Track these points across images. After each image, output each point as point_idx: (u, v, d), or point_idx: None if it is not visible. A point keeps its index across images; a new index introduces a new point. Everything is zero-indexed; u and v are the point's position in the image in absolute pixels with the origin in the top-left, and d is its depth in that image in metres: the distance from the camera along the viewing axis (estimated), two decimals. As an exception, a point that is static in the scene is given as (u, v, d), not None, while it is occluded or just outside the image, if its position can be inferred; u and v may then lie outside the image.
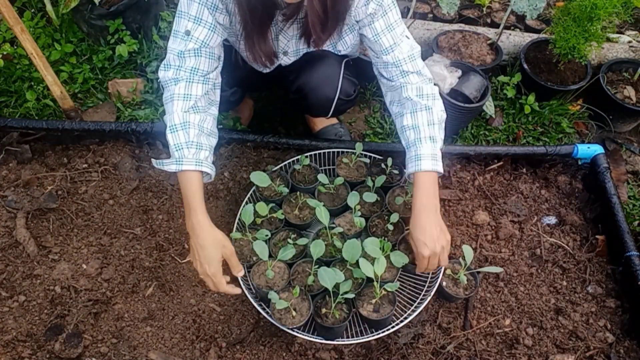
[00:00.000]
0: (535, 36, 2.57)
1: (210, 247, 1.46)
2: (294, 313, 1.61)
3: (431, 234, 1.53)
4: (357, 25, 1.65)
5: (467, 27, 2.60)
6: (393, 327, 1.64)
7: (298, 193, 1.89)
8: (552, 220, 2.05)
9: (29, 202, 2.00)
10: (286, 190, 1.87)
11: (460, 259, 1.77)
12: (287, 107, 2.38)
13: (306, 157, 1.97)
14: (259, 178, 1.78)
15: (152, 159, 1.54)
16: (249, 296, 1.67)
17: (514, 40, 2.57)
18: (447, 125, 2.12)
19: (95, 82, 2.45)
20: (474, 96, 2.14)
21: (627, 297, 1.84)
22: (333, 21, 1.57)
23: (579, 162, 2.17)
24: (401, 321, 1.66)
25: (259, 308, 1.66)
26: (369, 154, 1.99)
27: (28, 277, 1.83)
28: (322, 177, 1.86)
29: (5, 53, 2.39)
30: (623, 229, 1.90)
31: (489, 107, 2.31)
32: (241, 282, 1.69)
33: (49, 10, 2.44)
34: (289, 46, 1.77)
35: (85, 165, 2.13)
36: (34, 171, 2.10)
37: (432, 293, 1.70)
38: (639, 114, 2.35)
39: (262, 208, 1.77)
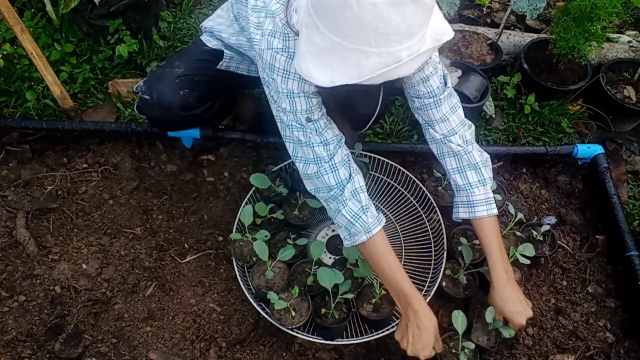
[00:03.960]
0: (535, 36, 2.57)
1: (431, 332, 1.44)
2: (293, 313, 1.61)
3: (520, 300, 1.53)
4: None
5: (467, 27, 2.60)
6: (393, 326, 1.64)
7: (297, 193, 1.89)
8: (552, 220, 2.05)
9: (29, 202, 2.00)
10: (286, 190, 1.87)
11: (460, 259, 1.76)
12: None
13: None
14: (259, 180, 1.78)
15: (345, 240, 1.52)
16: (248, 296, 1.67)
17: (514, 40, 2.57)
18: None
19: (95, 82, 2.45)
20: (474, 96, 2.13)
21: (627, 297, 1.84)
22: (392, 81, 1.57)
23: (579, 162, 2.17)
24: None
25: (258, 308, 1.66)
26: (368, 153, 1.99)
27: (28, 277, 1.83)
28: None
29: (5, 53, 2.39)
30: (623, 229, 1.90)
31: (489, 107, 2.31)
32: (241, 282, 1.69)
33: (49, 10, 2.43)
34: None
35: (85, 165, 2.13)
36: (34, 171, 2.10)
37: (432, 293, 1.70)
38: (639, 114, 2.35)
39: (262, 209, 1.77)
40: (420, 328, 1.43)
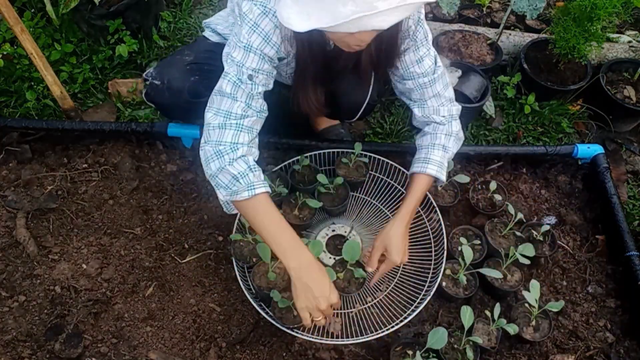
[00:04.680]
0: (535, 36, 2.57)
1: (326, 277, 1.44)
2: (295, 312, 1.61)
3: (405, 244, 1.63)
4: None
5: (467, 27, 2.60)
6: (393, 326, 1.64)
7: (297, 193, 1.89)
8: (552, 220, 2.05)
9: (29, 202, 2.00)
10: (285, 190, 1.87)
11: (460, 260, 1.77)
12: (288, 107, 2.37)
13: (306, 157, 1.97)
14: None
15: (223, 203, 1.54)
16: (248, 296, 1.67)
17: (514, 40, 2.57)
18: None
19: (95, 82, 2.45)
20: (474, 96, 2.14)
21: (627, 297, 1.84)
22: (383, 67, 1.60)
23: (579, 162, 2.18)
24: (401, 321, 1.66)
25: (259, 309, 1.66)
26: (368, 154, 1.99)
27: (28, 277, 1.83)
28: (321, 178, 1.86)
29: (5, 53, 2.39)
30: (623, 229, 1.90)
31: (489, 107, 2.31)
32: (241, 283, 1.69)
33: (49, 10, 2.43)
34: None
35: (85, 165, 2.13)
36: (34, 171, 2.10)
37: (432, 293, 1.71)
38: (639, 114, 2.35)
39: None
40: (318, 279, 1.41)
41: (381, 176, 2.06)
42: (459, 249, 1.80)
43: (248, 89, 1.42)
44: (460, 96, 2.12)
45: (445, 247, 1.79)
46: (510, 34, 2.58)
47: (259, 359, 1.68)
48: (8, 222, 1.96)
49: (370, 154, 2.01)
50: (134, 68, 2.51)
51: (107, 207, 2.02)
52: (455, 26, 2.60)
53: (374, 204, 2.02)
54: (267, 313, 1.65)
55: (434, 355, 1.56)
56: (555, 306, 1.65)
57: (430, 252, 1.85)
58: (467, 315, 1.57)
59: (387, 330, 1.63)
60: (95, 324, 1.74)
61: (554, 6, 2.84)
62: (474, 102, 2.13)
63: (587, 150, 2.12)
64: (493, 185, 2.01)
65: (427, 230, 1.91)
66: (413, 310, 1.68)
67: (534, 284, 1.65)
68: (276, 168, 1.98)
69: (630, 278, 1.82)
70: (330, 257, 1.86)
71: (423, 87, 1.64)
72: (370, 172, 2.03)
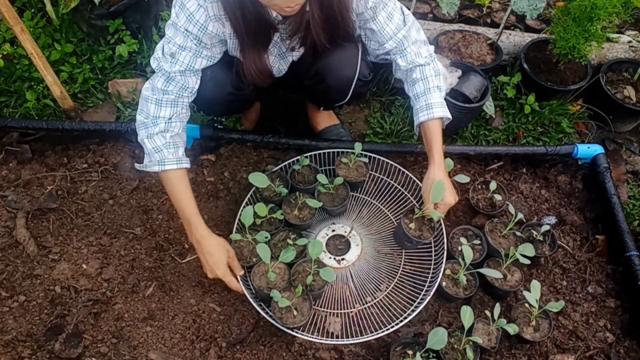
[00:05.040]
0: (535, 36, 2.57)
1: (216, 253, 1.64)
2: (295, 312, 1.61)
3: (451, 184, 1.74)
4: (357, 19, 1.67)
5: (467, 27, 2.60)
6: (393, 326, 1.64)
7: (297, 193, 1.89)
8: (552, 220, 2.05)
9: (29, 202, 2.00)
10: (285, 190, 1.87)
11: (460, 260, 1.77)
12: (288, 107, 2.38)
13: (306, 157, 1.97)
14: (258, 179, 1.78)
15: (135, 164, 1.67)
16: (248, 296, 1.67)
17: (514, 40, 2.57)
18: (447, 125, 2.12)
19: (95, 82, 2.45)
20: (474, 96, 2.13)
21: (627, 297, 1.84)
22: (336, 27, 1.59)
23: (579, 162, 2.18)
24: (400, 321, 1.66)
25: (259, 309, 1.66)
26: (368, 153, 1.99)
27: (28, 277, 1.83)
28: (321, 177, 1.86)
29: (5, 53, 2.39)
30: (623, 229, 1.90)
31: (489, 107, 2.31)
32: (240, 283, 1.70)
33: (49, 10, 2.43)
34: (279, 70, 1.81)
35: (85, 165, 2.13)
36: (34, 171, 2.10)
37: (432, 293, 1.71)
38: (639, 114, 2.35)
39: (261, 209, 1.77)
40: (208, 253, 1.63)
41: (381, 176, 2.06)
42: (459, 249, 1.80)
43: (168, 66, 1.54)
44: (460, 96, 2.12)
45: (446, 247, 1.79)
46: (510, 34, 2.58)
47: (259, 359, 1.68)
48: (8, 222, 1.96)
49: (371, 154, 2.01)
50: (134, 68, 2.51)
51: (107, 207, 2.02)
52: (455, 26, 2.61)
53: (374, 204, 2.01)
54: (267, 313, 1.65)
55: (434, 355, 1.56)
56: (555, 306, 1.65)
57: (431, 252, 1.85)
58: (467, 315, 1.57)
59: (386, 330, 1.63)
60: (95, 324, 1.74)
61: (554, 6, 2.84)
62: (474, 102, 2.13)
63: (587, 150, 2.12)
64: (493, 185, 2.01)
65: None
66: (413, 311, 1.68)
67: (535, 284, 1.65)
68: (276, 168, 1.98)
69: (630, 278, 1.82)
70: (330, 257, 1.86)
71: (402, 40, 1.69)
72: (370, 172, 2.03)
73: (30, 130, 2.15)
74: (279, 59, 1.76)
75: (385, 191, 2.04)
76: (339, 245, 1.90)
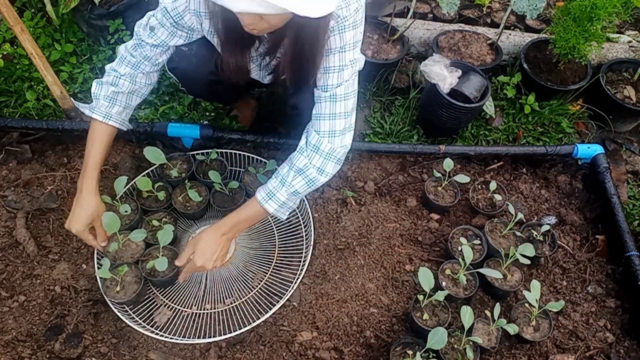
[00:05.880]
0: (535, 36, 2.57)
1: (86, 210, 1.64)
2: (118, 288, 1.68)
3: (213, 251, 1.61)
4: None
5: (467, 27, 2.60)
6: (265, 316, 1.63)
7: (188, 182, 1.93)
8: (552, 220, 2.05)
9: (29, 202, 2.00)
10: (175, 173, 1.94)
11: (460, 260, 1.77)
12: (287, 107, 2.37)
13: (217, 152, 2.03)
14: (152, 154, 1.85)
15: (79, 102, 1.72)
16: (95, 267, 1.75)
17: (514, 40, 2.57)
18: (447, 125, 2.13)
19: (95, 82, 2.45)
20: (474, 96, 2.14)
21: (627, 297, 1.84)
22: (305, 69, 1.49)
23: (579, 162, 2.18)
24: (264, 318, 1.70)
25: (100, 284, 1.72)
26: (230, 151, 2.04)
27: (28, 277, 1.83)
28: (213, 175, 1.89)
29: (5, 53, 2.39)
30: (623, 229, 1.90)
31: (489, 107, 2.31)
32: (96, 254, 1.78)
33: (49, 10, 2.43)
34: (261, 77, 1.79)
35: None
36: (34, 171, 2.10)
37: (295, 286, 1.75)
38: (639, 114, 2.35)
39: (144, 183, 1.86)
40: (81, 205, 1.63)
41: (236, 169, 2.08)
42: (459, 249, 1.80)
43: (144, 36, 1.60)
44: (460, 96, 2.13)
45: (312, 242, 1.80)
46: (510, 34, 2.58)
47: (259, 359, 1.69)
48: (8, 222, 1.96)
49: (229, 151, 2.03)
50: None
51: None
52: (455, 26, 2.61)
53: (269, 221, 1.98)
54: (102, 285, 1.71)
55: (434, 355, 1.56)
56: (555, 306, 1.65)
57: (292, 283, 1.80)
58: (467, 315, 1.57)
59: (249, 326, 1.66)
60: (95, 324, 1.74)
61: (554, 6, 2.85)
62: (474, 102, 2.13)
63: (587, 150, 2.12)
64: (493, 185, 2.01)
65: (299, 222, 1.95)
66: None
67: (535, 284, 1.65)
68: (196, 153, 2.03)
69: (630, 278, 1.82)
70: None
71: (319, 101, 1.52)
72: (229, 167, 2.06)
73: (30, 130, 2.15)
74: (258, 69, 1.75)
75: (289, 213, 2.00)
76: None
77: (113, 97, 1.64)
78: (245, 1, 1.15)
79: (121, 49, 1.65)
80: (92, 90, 1.65)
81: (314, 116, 1.55)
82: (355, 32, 1.45)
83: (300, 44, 1.41)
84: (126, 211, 1.83)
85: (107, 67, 1.67)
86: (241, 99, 2.25)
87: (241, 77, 1.64)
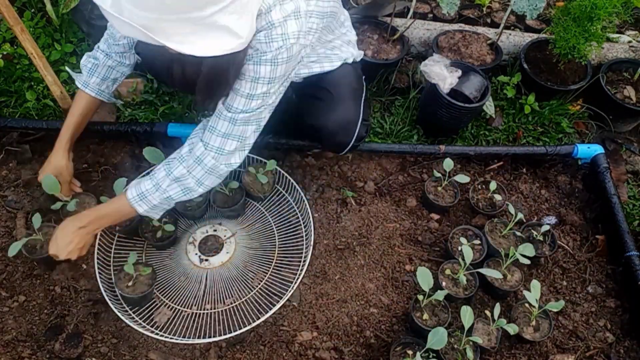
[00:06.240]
0: (535, 36, 2.57)
1: (51, 164, 1.83)
2: (130, 283, 1.68)
3: (68, 241, 1.62)
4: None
5: (467, 27, 2.60)
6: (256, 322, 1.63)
7: None
8: (552, 220, 2.05)
9: (29, 202, 2.00)
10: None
11: (460, 260, 1.76)
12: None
13: None
14: (152, 155, 1.84)
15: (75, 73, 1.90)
16: (96, 267, 1.75)
17: (514, 40, 2.57)
18: (447, 125, 2.13)
19: (95, 82, 2.45)
20: (474, 96, 2.14)
21: (627, 297, 1.84)
22: (219, 89, 1.50)
23: (579, 162, 2.18)
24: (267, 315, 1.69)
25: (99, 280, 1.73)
26: (282, 172, 2.00)
27: (28, 277, 1.83)
28: None
29: (5, 53, 2.39)
30: (623, 229, 1.90)
31: (489, 107, 2.31)
32: (96, 254, 1.77)
33: (49, 10, 2.43)
34: None
35: (85, 165, 2.13)
36: (34, 171, 2.09)
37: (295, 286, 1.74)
38: (639, 114, 2.35)
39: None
40: (48, 160, 1.84)
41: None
42: (459, 249, 1.80)
43: (111, 30, 1.77)
44: (460, 96, 2.12)
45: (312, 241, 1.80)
46: (510, 34, 2.58)
47: (259, 359, 1.69)
48: (8, 222, 1.96)
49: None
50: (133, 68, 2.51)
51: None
52: (455, 26, 2.61)
53: (269, 221, 1.98)
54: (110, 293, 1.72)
55: (434, 355, 1.56)
56: (555, 306, 1.65)
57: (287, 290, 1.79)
58: (467, 315, 1.57)
59: (250, 326, 1.66)
60: (95, 324, 1.74)
61: (554, 6, 2.84)
62: (473, 102, 2.13)
63: (587, 150, 2.12)
64: (493, 185, 2.01)
65: (299, 222, 1.95)
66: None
67: (535, 284, 1.65)
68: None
69: (630, 278, 1.81)
70: (196, 254, 1.86)
71: (219, 116, 1.51)
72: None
73: (30, 130, 2.15)
74: None
75: (288, 212, 2.00)
76: (212, 246, 1.89)
77: (92, 68, 1.80)
78: (127, 28, 1.17)
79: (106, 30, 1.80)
80: (81, 61, 1.83)
81: (209, 128, 1.53)
82: (274, 69, 1.41)
83: (214, 69, 1.40)
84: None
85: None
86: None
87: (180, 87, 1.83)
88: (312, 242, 1.86)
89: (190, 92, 2.25)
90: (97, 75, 1.80)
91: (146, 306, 1.74)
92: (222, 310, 1.76)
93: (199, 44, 1.20)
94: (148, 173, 1.75)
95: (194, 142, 1.58)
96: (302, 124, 1.90)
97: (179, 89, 2.27)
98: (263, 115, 1.54)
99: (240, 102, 1.48)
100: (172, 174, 1.55)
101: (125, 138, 2.18)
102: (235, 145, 1.54)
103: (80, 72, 1.84)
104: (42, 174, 1.82)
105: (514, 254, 1.75)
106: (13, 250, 1.70)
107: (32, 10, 2.59)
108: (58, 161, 1.83)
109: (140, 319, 1.71)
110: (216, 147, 1.53)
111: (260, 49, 1.39)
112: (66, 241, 1.61)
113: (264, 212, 2.00)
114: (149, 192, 1.57)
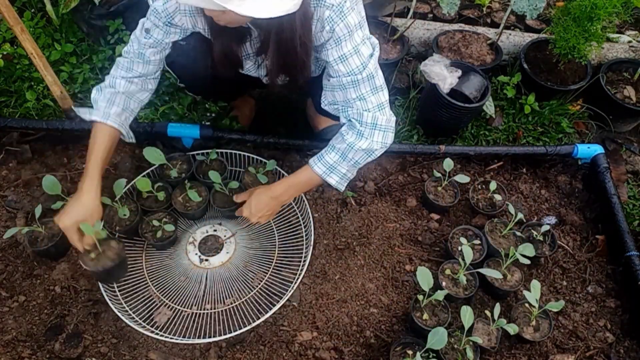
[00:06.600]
0: (535, 36, 2.57)
1: (78, 209, 1.58)
2: (92, 255, 1.59)
3: (261, 208, 1.72)
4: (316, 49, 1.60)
5: (467, 27, 2.60)
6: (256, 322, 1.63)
7: (188, 182, 1.93)
8: (552, 220, 2.05)
9: (29, 202, 2.00)
10: (175, 174, 1.94)
11: (460, 260, 1.76)
12: (287, 107, 2.38)
13: (216, 152, 2.01)
14: (152, 155, 1.85)
15: (79, 107, 1.75)
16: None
17: (514, 40, 2.57)
18: (447, 125, 2.13)
19: (95, 82, 2.45)
20: (474, 96, 2.14)
21: (627, 297, 1.84)
22: (293, 67, 1.56)
23: (579, 162, 2.18)
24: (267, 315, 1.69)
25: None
26: (282, 172, 2.01)
27: (28, 277, 1.83)
28: (213, 176, 1.88)
29: (5, 53, 2.39)
30: (623, 229, 1.90)
31: (489, 107, 2.31)
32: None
33: (49, 10, 2.43)
34: (261, 75, 1.81)
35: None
36: (34, 171, 2.10)
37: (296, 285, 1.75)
38: (639, 114, 2.35)
39: (143, 184, 1.86)
40: (74, 202, 1.58)
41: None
42: (459, 249, 1.80)
43: (141, 38, 1.64)
44: (460, 96, 2.13)
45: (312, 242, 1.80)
46: (510, 34, 2.58)
47: (259, 359, 1.69)
48: (8, 222, 1.96)
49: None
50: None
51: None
52: (455, 26, 2.61)
53: (269, 221, 1.94)
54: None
55: (434, 355, 1.56)
56: (555, 306, 1.65)
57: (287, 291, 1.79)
58: (467, 315, 1.57)
59: (250, 326, 1.66)
60: (95, 324, 1.74)
61: (554, 6, 2.85)
62: (474, 102, 2.13)
63: (587, 150, 2.12)
64: (493, 185, 2.01)
65: (299, 222, 1.95)
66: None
67: (535, 284, 1.65)
68: (197, 153, 2.03)
69: (630, 278, 1.82)
70: (196, 254, 1.86)
71: (346, 87, 1.55)
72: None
73: (30, 130, 2.15)
74: (256, 67, 1.76)
75: (288, 212, 2.00)
76: (212, 246, 1.89)
77: (111, 98, 1.66)
78: None
79: (118, 58, 1.70)
80: (92, 96, 1.68)
81: (354, 99, 1.56)
82: (356, 13, 1.48)
83: (283, 41, 1.44)
84: (125, 215, 1.82)
85: (106, 76, 1.71)
86: (240, 96, 2.25)
87: (231, 69, 1.68)
88: (312, 242, 1.87)
89: (221, 99, 2.27)
90: (118, 105, 1.66)
91: (146, 305, 1.73)
92: (222, 310, 1.76)
93: (258, 4, 1.23)
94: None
95: (355, 116, 1.58)
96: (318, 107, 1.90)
97: (211, 97, 2.26)
98: (374, 58, 1.58)
99: (355, 60, 1.52)
100: (356, 146, 1.58)
101: (125, 138, 2.18)
102: (383, 95, 1.59)
103: (85, 102, 1.74)
104: (68, 214, 1.56)
105: (514, 254, 1.75)
106: (8, 234, 1.71)
107: (32, 10, 2.59)
108: (90, 202, 1.59)
109: (140, 319, 1.70)
110: (377, 105, 1.57)
111: (335, 2, 1.42)
112: (260, 207, 1.72)
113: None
114: (337, 163, 1.62)
